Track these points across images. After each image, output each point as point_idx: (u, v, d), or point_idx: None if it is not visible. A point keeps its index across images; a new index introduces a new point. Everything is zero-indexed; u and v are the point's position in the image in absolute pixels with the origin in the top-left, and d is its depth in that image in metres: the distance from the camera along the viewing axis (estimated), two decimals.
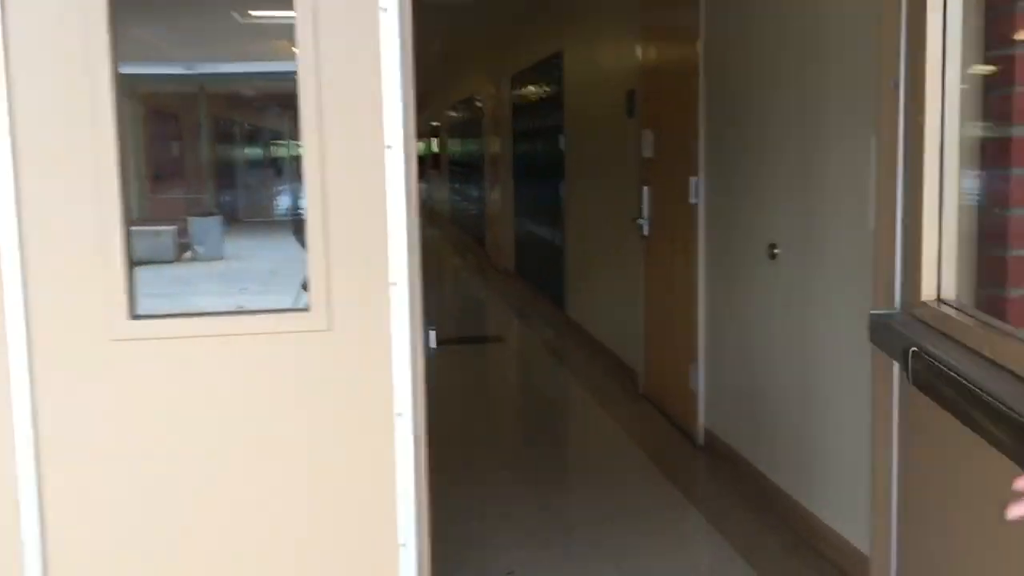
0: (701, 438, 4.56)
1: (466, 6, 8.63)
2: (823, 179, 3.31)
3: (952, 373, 1.71)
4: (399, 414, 2.00)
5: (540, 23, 8.32)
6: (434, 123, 19.88)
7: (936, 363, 1.78)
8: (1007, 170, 2.12)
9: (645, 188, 5.23)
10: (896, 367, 2.06)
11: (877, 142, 2.26)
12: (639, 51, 5.33)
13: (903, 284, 2.08)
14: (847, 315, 3.10)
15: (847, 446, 3.15)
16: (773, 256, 3.69)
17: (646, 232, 5.26)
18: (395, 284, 1.97)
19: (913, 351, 1.87)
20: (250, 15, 2.54)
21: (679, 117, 4.71)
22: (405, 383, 2.00)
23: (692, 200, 4.53)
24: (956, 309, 1.94)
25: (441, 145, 18.64)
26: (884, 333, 2.07)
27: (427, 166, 21.52)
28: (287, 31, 1.94)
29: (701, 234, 4.49)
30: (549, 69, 7.95)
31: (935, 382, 1.78)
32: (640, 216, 5.26)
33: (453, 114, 15.89)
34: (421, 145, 25.28)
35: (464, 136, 14.52)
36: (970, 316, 1.88)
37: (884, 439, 2.16)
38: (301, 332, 1.99)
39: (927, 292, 1.98)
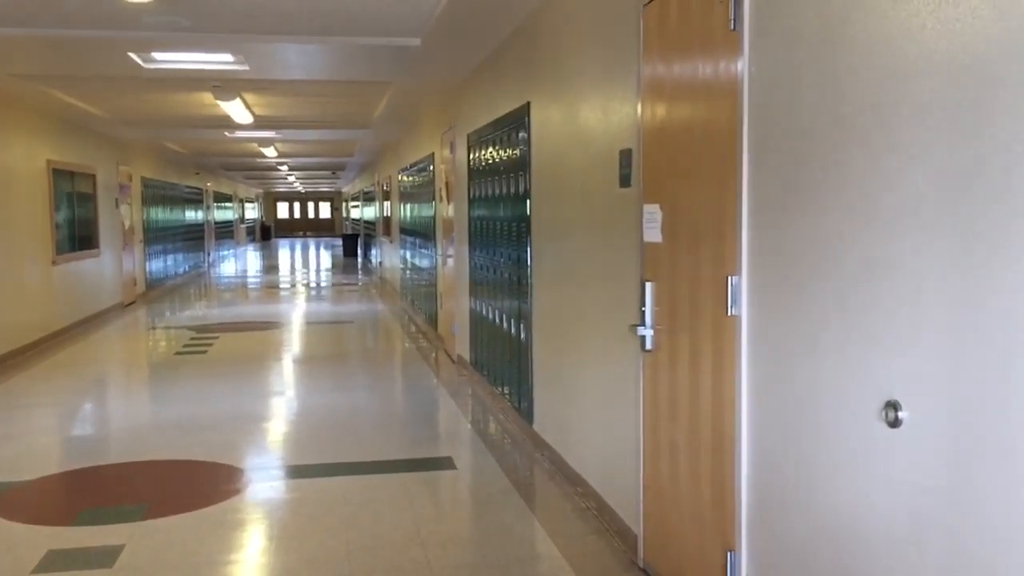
0: None
1: (415, 54, 7.23)
2: None
3: None
4: None
5: (502, 70, 6.93)
6: (387, 188, 18.48)
7: None
8: None
9: (648, 284, 3.77)
10: None
11: None
12: (639, 107, 3.90)
13: None
14: None
15: None
16: (894, 422, 2.22)
17: (649, 345, 3.78)
18: None
19: None
20: None
21: (706, 191, 3.26)
22: None
23: (731, 311, 3.06)
24: None
25: (392, 210, 17.18)
26: None
27: (378, 232, 20.15)
28: None
29: (744, 362, 3.01)
30: (513, 124, 6.54)
31: None
32: (641, 322, 3.79)
33: (405, 178, 14.47)
34: (370, 210, 23.92)
35: (417, 201, 13.07)
36: None
37: None
38: None
39: None
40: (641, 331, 3.77)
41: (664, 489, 3.73)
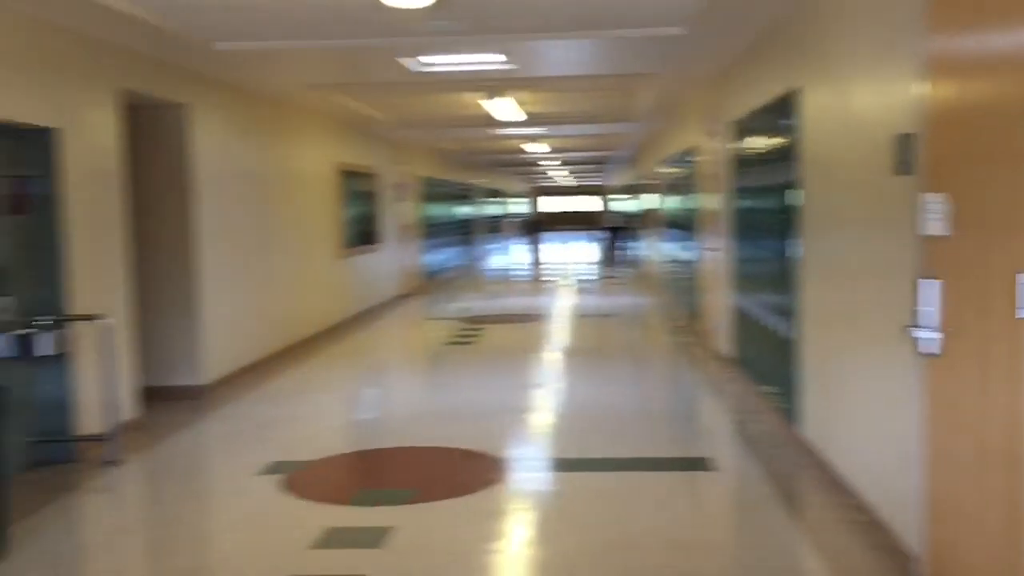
0: None
1: (679, 43, 7.09)
2: None
3: None
4: None
5: (766, 56, 6.63)
6: (648, 181, 18.36)
7: None
8: None
9: (927, 282, 3.42)
10: None
11: None
12: (922, 87, 3.56)
13: None
14: None
15: None
16: None
17: (927, 348, 3.44)
18: None
19: None
20: None
21: (999, 177, 2.92)
22: None
23: (1021, 312, 2.71)
24: None
25: (654, 202, 17.05)
26: None
27: (641, 225, 20.11)
28: None
29: None
30: (779, 111, 6.23)
31: None
32: (917, 323, 3.46)
33: (667, 170, 14.30)
34: (633, 203, 23.93)
35: (679, 193, 12.88)
36: None
37: None
38: None
39: None
40: (918, 333, 3.45)
41: (948, 509, 3.39)
